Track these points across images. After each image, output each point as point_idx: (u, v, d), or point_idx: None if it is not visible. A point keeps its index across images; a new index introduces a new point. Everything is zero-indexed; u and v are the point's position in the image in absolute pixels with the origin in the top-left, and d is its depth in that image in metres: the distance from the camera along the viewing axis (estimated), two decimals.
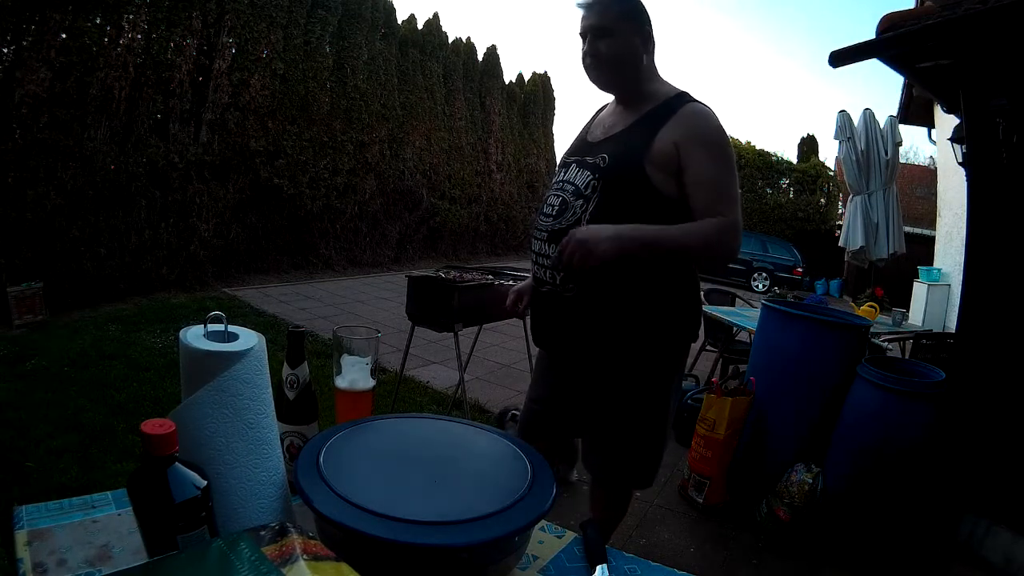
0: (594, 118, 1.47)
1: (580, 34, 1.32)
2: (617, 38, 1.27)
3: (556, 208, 1.33)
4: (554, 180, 1.41)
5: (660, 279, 1.29)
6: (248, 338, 0.68)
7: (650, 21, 1.32)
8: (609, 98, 1.43)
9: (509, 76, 11.86)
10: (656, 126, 1.24)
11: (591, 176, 1.29)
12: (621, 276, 1.24)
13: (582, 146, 1.39)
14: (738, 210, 1.24)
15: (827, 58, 2.68)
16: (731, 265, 12.32)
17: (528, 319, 1.54)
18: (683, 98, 1.28)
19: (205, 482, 0.57)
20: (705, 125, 1.24)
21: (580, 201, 1.29)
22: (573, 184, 1.32)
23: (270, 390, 0.69)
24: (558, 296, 1.33)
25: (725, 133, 1.27)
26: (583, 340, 1.33)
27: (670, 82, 1.35)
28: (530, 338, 1.64)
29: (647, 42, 1.32)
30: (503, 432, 0.85)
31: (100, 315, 4.67)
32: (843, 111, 4.88)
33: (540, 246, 1.36)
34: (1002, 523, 2.21)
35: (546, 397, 1.50)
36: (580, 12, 1.31)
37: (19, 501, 0.74)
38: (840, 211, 14.15)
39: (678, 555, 2.20)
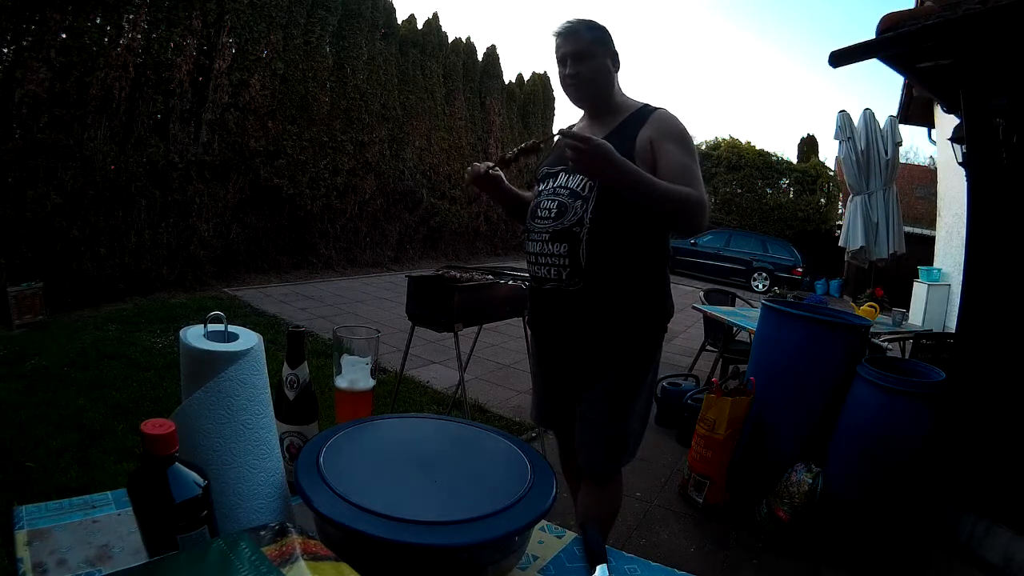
0: None
1: (559, 60, 1.49)
2: (592, 60, 1.45)
3: (554, 212, 1.44)
4: (541, 189, 1.52)
5: (647, 276, 1.47)
6: (248, 338, 0.68)
7: (614, 44, 1.50)
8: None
9: (509, 76, 11.88)
10: (635, 130, 1.42)
11: (584, 178, 1.42)
12: (620, 272, 1.42)
13: (563, 156, 1.49)
14: (703, 191, 1.38)
15: (827, 58, 2.68)
16: (731, 265, 12.45)
17: (527, 318, 1.59)
18: (650, 107, 1.49)
19: (205, 482, 0.57)
20: (672, 124, 1.44)
21: (579, 202, 1.41)
22: (567, 188, 1.44)
23: (268, 391, 0.69)
24: (562, 292, 1.45)
25: (687, 130, 1.46)
26: (586, 328, 1.46)
27: (631, 96, 1.56)
28: (530, 338, 1.70)
29: (615, 62, 1.51)
30: (503, 432, 0.85)
31: (100, 315, 4.67)
32: (843, 111, 4.88)
33: (541, 247, 1.47)
34: (1002, 523, 2.21)
35: (544, 388, 1.68)
36: (555, 41, 1.48)
37: (19, 501, 0.74)
38: (840, 211, 14.15)
39: (678, 555, 2.20)
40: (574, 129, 1.60)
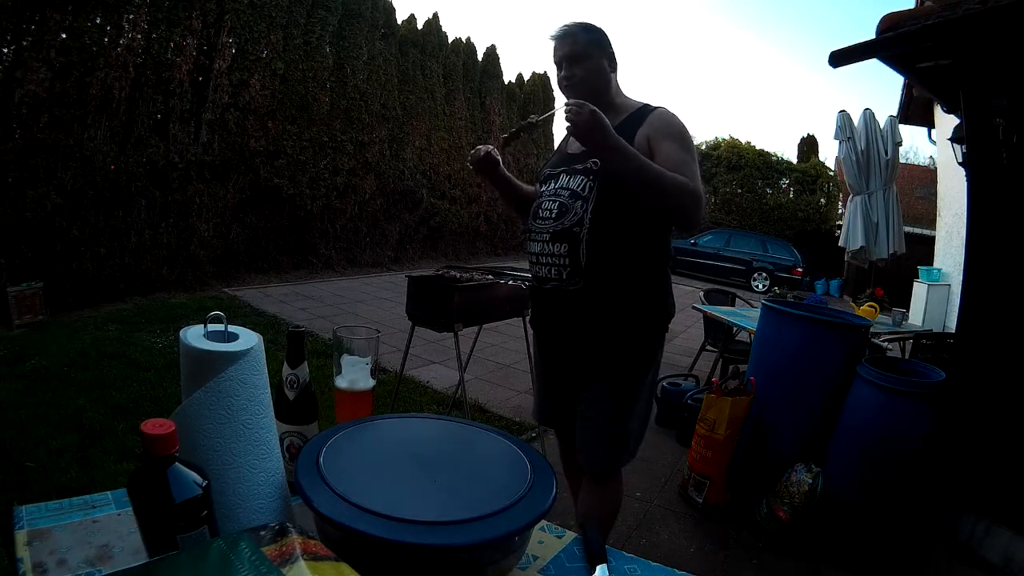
0: (568, 136, 1.59)
1: (556, 63, 1.51)
2: (588, 62, 1.46)
3: (555, 212, 1.45)
4: (542, 190, 1.54)
5: (648, 276, 1.47)
6: (248, 338, 0.68)
7: (612, 45, 1.51)
8: None
9: (509, 76, 11.87)
10: (633, 131, 1.42)
11: (585, 179, 1.43)
12: (620, 272, 1.42)
13: (565, 158, 1.53)
14: (700, 185, 1.38)
15: (827, 58, 2.68)
16: (731, 265, 12.45)
17: (527, 318, 1.60)
18: (649, 106, 1.49)
19: (206, 482, 0.57)
20: (670, 122, 1.44)
21: (579, 202, 1.42)
22: (568, 189, 1.45)
23: (268, 391, 0.69)
24: (562, 291, 1.46)
25: (686, 128, 1.45)
26: (586, 328, 1.47)
27: (632, 96, 1.56)
28: (530, 339, 1.71)
29: (612, 63, 1.52)
30: (503, 432, 0.85)
31: (100, 315, 4.67)
32: (843, 111, 4.88)
33: (541, 247, 1.48)
34: (1002, 523, 2.21)
35: (545, 387, 1.70)
36: (552, 44, 1.49)
37: (19, 501, 0.74)
38: (840, 211, 14.15)
39: (678, 555, 2.20)
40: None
